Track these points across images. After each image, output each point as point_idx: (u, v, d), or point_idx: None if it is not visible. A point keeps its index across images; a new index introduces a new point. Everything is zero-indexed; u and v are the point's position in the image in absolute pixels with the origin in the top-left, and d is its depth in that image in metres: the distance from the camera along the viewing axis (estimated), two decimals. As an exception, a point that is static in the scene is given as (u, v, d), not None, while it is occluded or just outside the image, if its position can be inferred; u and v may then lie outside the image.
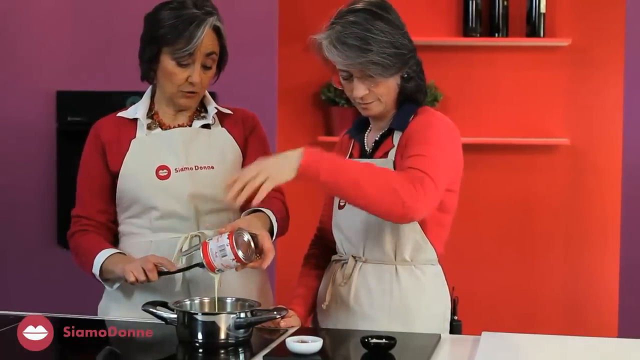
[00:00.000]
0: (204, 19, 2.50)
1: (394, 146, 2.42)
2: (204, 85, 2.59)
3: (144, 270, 2.36)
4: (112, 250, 2.53)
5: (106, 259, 2.50)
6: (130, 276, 2.37)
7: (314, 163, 2.18)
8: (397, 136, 2.44)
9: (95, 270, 2.51)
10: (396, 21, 2.38)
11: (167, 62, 2.54)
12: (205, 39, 2.51)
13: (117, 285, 2.54)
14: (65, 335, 2.31)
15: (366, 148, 2.51)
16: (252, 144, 2.69)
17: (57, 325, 2.46)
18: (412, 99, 2.45)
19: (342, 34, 2.33)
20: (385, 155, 2.43)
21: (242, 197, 2.15)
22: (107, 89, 4.01)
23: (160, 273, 2.38)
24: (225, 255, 2.23)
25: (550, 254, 4.80)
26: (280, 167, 2.18)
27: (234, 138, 2.67)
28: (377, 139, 2.49)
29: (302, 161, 2.17)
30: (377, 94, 2.39)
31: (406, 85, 2.43)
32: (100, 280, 2.54)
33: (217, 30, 2.55)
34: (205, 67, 2.56)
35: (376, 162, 2.38)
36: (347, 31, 2.33)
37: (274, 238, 2.45)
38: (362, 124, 2.57)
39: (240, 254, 2.22)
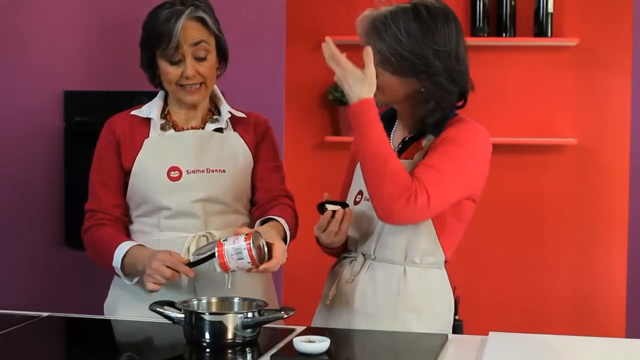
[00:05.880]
0: (178, 12, 2.51)
1: (422, 149, 2.42)
2: (205, 76, 2.58)
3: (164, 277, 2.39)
4: (131, 243, 2.53)
5: (127, 251, 2.50)
6: (149, 286, 2.40)
7: (356, 115, 2.31)
8: (428, 140, 2.43)
9: (117, 263, 2.51)
10: (436, 33, 2.34)
11: (162, 64, 2.57)
12: (187, 30, 2.52)
13: (136, 279, 2.55)
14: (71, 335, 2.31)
15: (392, 147, 2.49)
16: (263, 150, 2.69)
17: (64, 324, 2.48)
18: (423, 122, 2.43)
19: (377, 16, 2.35)
20: (412, 156, 2.42)
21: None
22: (115, 89, 4.01)
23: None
24: (241, 258, 2.25)
25: (557, 253, 4.79)
26: (349, 88, 2.30)
27: (245, 143, 2.67)
28: (406, 139, 2.48)
29: (351, 106, 2.31)
30: (379, 83, 2.38)
31: (420, 102, 2.39)
32: (121, 273, 2.54)
33: (201, 20, 2.55)
34: (198, 59, 2.55)
35: (402, 162, 2.39)
36: (382, 16, 2.35)
37: (286, 247, 2.47)
38: (387, 122, 2.52)
39: (256, 258, 2.24)
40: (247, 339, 2.18)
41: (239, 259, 2.25)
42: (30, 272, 4.14)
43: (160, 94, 2.68)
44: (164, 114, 2.66)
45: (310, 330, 2.34)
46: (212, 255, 2.29)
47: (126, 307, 2.61)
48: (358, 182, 2.53)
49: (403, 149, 2.48)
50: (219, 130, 2.66)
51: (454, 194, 2.37)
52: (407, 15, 2.34)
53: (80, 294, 3.86)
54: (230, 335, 2.16)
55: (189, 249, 2.54)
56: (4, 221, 4.11)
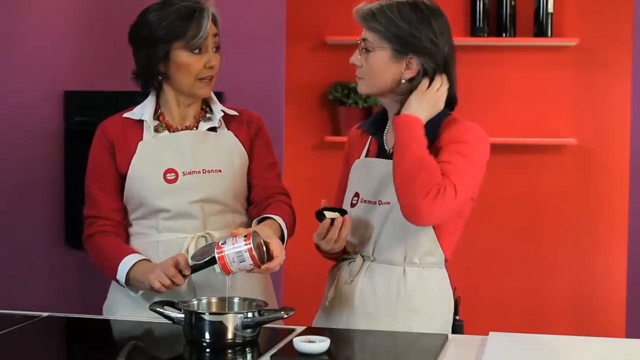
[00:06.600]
0: (204, 7, 2.55)
1: None
2: (217, 68, 2.62)
3: (168, 276, 2.37)
4: (135, 257, 2.52)
5: (132, 267, 2.50)
6: (155, 284, 2.38)
7: (400, 125, 2.36)
8: None
9: (121, 277, 2.51)
10: (433, 20, 2.39)
11: (181, 55, 2.55)
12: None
13: (141, 292, 2.55)
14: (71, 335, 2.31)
15: (386, 148, 2.50)
16: (257, 147, 2.69)
17: (64, 324, 2.47)
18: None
19: (373, 5, 2.41)
20: None
21: None
22: (115, 89, 4.01)
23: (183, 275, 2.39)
24: (243, 261, 2.24)
25: (557, 253, 4.79)
26: (418, 106, 2.39)
27: (240, 141, 2.67)
28: None
29: (398, 118, 2.36)
30: (366, 70, 2.41)
31: (403, 95, 2.42)
32: (125, 287, 2.53)
33: (213, 16, 2.60)
34: (215, 49, 2.60)
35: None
36: (378, 4, 2.40)
37: (284, 245, 2.46)
38: (379, 122, 2.55)
39: (257, 258, 2.24)
40: (247, 339, 2.18)
41: (241, 262, 2.24)
42: (30, 272, 4.14)
43: (153, 94, 2.67)
44: (157, 115, 2.65)
45: (310, 330, 2.34)
46: (212, 259, 2.29)
47: (125, 309, 2.60)
48: (354, 184, 2.53)
49: None
50: (213, 129, 2.66)
51: (472, 188, 2.40)
52: (402, 5, 2.39)
53: (80, 294, 3.87)
54: (230, 335, 2.16)
55: (187, 250, 2.54)
56: (4, 221, 4.11)
